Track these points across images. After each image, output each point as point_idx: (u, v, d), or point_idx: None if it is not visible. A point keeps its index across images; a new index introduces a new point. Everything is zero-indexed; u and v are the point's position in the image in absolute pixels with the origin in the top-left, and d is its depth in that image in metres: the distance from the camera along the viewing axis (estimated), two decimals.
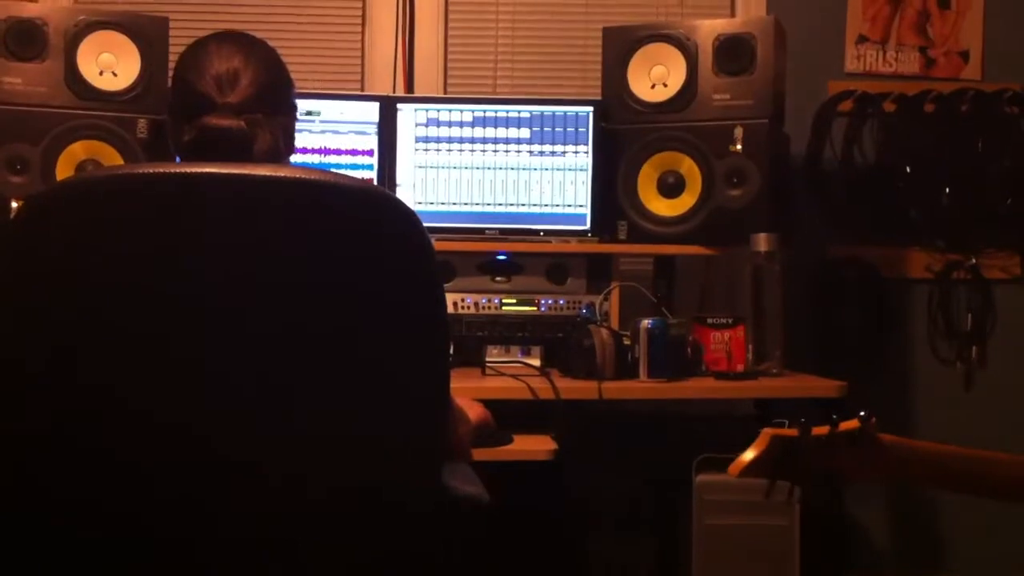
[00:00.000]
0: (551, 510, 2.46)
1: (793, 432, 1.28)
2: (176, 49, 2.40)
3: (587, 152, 2.84)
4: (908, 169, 3.26)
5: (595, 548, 2.64)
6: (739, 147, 2.74)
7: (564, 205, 2.85)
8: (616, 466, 2.65)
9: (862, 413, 1.31)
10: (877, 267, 3.26)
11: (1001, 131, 3.28)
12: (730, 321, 2.61)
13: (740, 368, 2.58)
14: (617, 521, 2.61)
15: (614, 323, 2.71)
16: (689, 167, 2.78)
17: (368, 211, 1.39)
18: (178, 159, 1.62)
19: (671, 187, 2.80)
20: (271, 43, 1.71)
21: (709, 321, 2.63)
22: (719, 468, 2.40)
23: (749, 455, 1.28)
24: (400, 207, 1.41)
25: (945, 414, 3.22)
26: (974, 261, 3.29)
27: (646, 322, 2.52)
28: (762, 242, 2.64)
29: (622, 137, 2.83)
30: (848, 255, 3.25)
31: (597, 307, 2.73)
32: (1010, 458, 1.39)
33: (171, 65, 2.48)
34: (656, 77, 2.83)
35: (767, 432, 1.29)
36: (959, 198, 3.25)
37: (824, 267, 3.26)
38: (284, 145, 1.67)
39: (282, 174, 1.37)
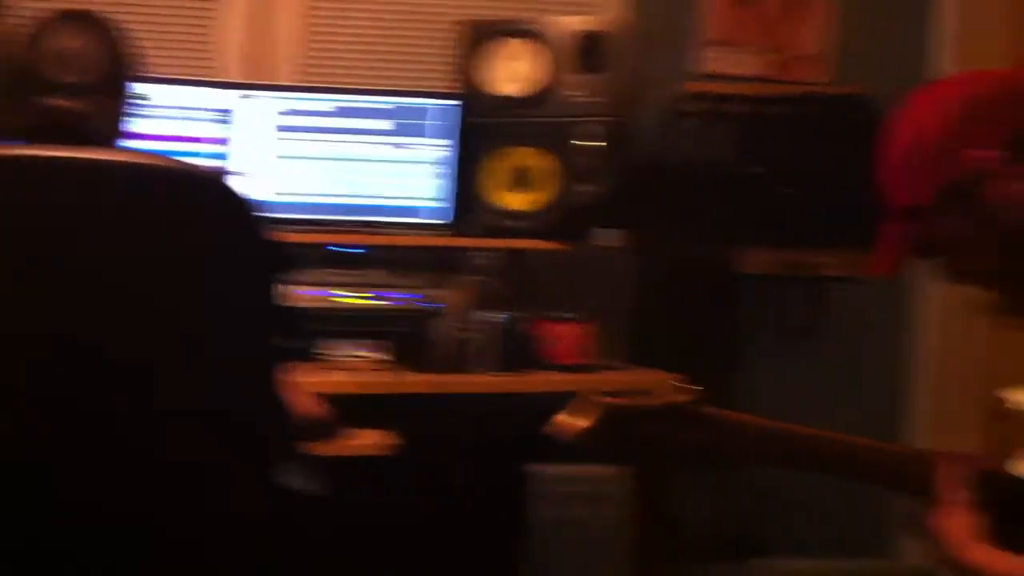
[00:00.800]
0: (394, 504, 2.48)
1: (625, 402, 1.30)
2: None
3: (446, 145, 2.84)
4: (756, 170, 3.36)
5: (439, 542, 2.66)
6: (592, 144, 2.78)
7: (422, 198, 2.85)
8: (459, 459, 2.68)
9: (694, 387, 1.34)
10: (723, 264, 3.36)
11: (847, 134, 3.40)
12: (576, 316, 2.66)
13: (585, 362, 2.63)
14: (459, 514, 2.64)
15: (460, 317, 2.73)
16: (542, 162, 2.81)
17: (195, 193, 1.43)
18: (16, 140, 1.58)
19: (524, 182, 2.83)
20: (119, 23, 1.67)
21: (556, 316, 2.67)
22: (558, 461, 2.46)
23: (580, 422, 1.28)
24: (226, 190, 1.45)
25: (785, 407, 3.33)
26: (810, 259, 3.41)
27: (493, 316, 2.55)
28: (610, 237, 2.69)
29: (478, 131, 2.84)
30: (691, 252, 3.33)
31: (443, 301, 2.75)
32: (838, 436, 1.45)
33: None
34: (513, 73, 2.85)
35: (599, 400, 1.30)
36: (797, 197, 3.37)
37: (671, 264, 3.34)
38: (122, 128, 1.64)
39: (118, 158, 1.43)
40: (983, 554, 1.34)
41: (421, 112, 2.84)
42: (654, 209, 3.29)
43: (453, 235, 2.83)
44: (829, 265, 3.44)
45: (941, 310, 3.39)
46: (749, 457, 1.67)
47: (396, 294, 2.75)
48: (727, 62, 3.39)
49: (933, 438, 3.35)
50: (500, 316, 2.55)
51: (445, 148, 2.84)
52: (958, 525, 1.37)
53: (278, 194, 2.76)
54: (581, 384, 2.58)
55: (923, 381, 3.45)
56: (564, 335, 2.65)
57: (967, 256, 1.35)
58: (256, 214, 1.44)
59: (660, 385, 1.36)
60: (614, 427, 1.28)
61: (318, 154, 2.81)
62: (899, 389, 3.52)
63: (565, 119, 2.80)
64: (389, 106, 2.84)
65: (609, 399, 1.30)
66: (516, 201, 2.83)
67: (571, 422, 1.30)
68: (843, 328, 3.47)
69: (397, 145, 2.83)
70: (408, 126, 2.84)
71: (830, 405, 3.35)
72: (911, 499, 1.47)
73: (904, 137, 1.36)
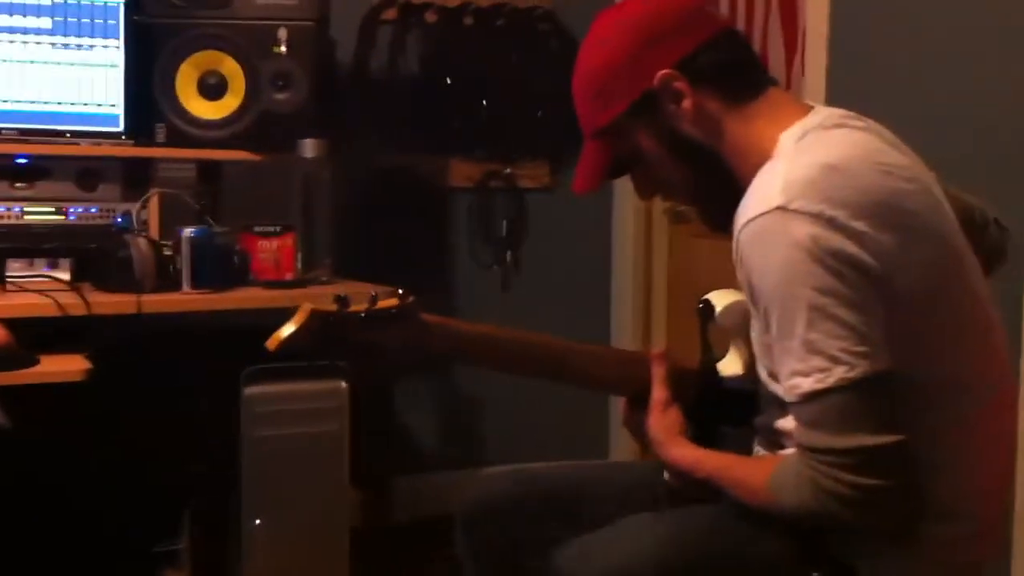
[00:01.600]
0: (82, 435, 2.29)
1: (332, 307, 1.27)
2: None
3: (118, 47, 2.61)
4: (448, 80, 3.35)
5: (132, 479, 2.49)
6: (284, 49, 2.65)
7: (94, 104, 2.61)
8: (159, 385, 2.51)
9: (400, 291, 1.34)
10: (422, 176, 3.34)
11: (533, 47, 3.45)
12: (278, 229, 2.55)
13: (289, 276, 2.53)
14: (164, 442, 2.48)
15: (154, 233, 2.54)
16: (232, 68, 2.65)
17: None
18: None
19: (213, 88, 2.66)
20: None
21: (256, 229, 2.54)
22: (269, 379, 2.36)
23: (287, 330, 1.27)
24: None
25: (486, 315, 3.38)
26: (509, 171, 3.47)
27: (189, 231, 2.39)
28: (310, 148, 2.58)
29: (157, 32, 2.63)
30: (394, 164, 3.30)
31: (134, 216, 2.54)
32: (546, 339, 1.48)
33: None
34: None
35: (306, 307, 1.29)
36: (496, 109, 3.40)
37: (372, 175, 3.28)
38: None
39: None
40: (680, 449, 1.41)
41: (86, 10, 2.58)
42: (354, 119, 3.20)
43: (139, 145, 2.61)
44: (526, 177, 3.50)
45: (636, 219, 3.54)
46: (463, 358, 1.69)
47: (81, 208, 2.50)
48: None
49: (638, 339, 3.51)
50: (197, 231, 2.38)
51: (117, 49, 2.59)
52: (658, 422, 1.44)
53: None
54: (287, 300, 2.48)
55: (624, 286, 3.60)
56: (267, 249, 2.52)
57: (656, 170, 1.41)
58: None
59: (369, 293, 1.35)
60: (324, 332, 1.26)
61: None
62: (603, 294, 3.66)
63: (254, 21, 2.64)
64: (48, 2, 2.56)
65: (315, 305, 1.30)
66: (206, 109, 2.65)
67: (281, 331, 1.28)
68: (545, 237, 3.55)
69: (62, 46, 2.56)
70: (72, 24, 2.57)
71: (538, 311, 3.44)
72: (621, 398, 1.52)
73: (587, 62, 1.40)
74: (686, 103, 1.34)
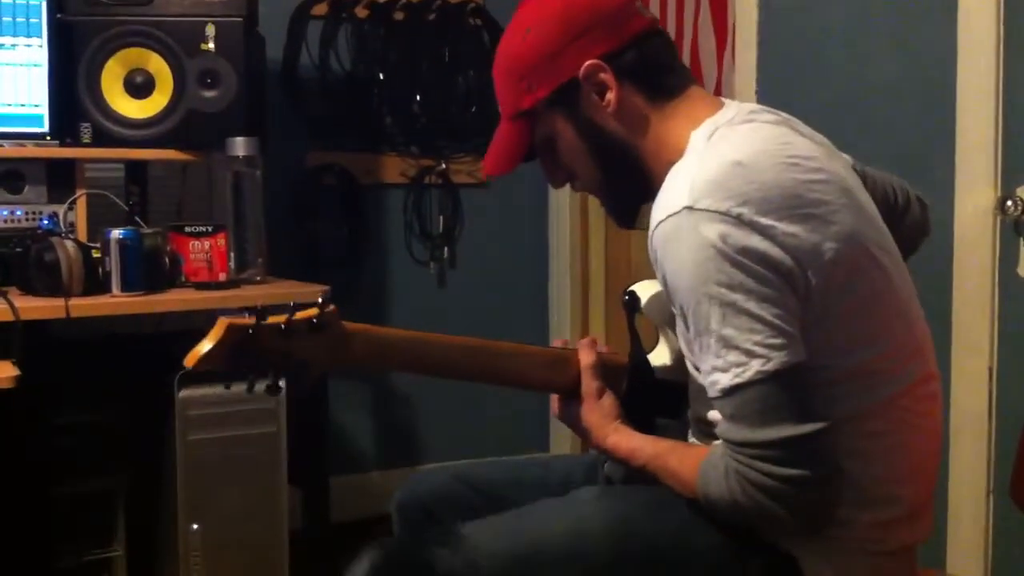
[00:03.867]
0: (14, 445, 2.23)
1: (249, 321, 1.25)
2: None
3: (41, 46, 2.55)
4: (381, 76, 3.33)
5: (63, 489, 2.43)
6: (212, 46, 2.60)
7: (17, 104, 2.54)
8: (89, 391, 2.46)
9: (320, 300, 1.31)
10: (354, 173, 3.32)
11: (466, 42, 3.44)
12: (210, 229, 2.51)
13: (222, 277, 2.50)
14: (91, 452, 2.44)
15: (81, 235, 2.49)
16: (158, 65, 2.60)
17: None
18: None
19: (140, 87, 2.60)
20: None
21: (187, 229, 2.50)
22: (203, 382, 2.32)
23: (205, 346, 1.23)
24: None
25: (422, 311, 3.39)
26: (444, 167, 3.46)
27: (117, 232, 2.34)
28: (240, 146, 2.55)
29: (81, 30, 2.57)
30: (326, 161, 3.27)
31: (61, 218, 2.48)
32: (481, 343, 1.47)
33: None
34: None
35: (223, 321, 1.25)
36: (429, 106, 3.39)
37: (303, 174, 3.25)
38: None
39: None
40: (616, 436, 1.41)
41: (7, 8, 2.52)
42: (285, 116, 3.17)
43: (64, 145, 2.55)
44: (461, 172, 3.49)
45: (572, 213, 3.55)
46: (391, 367, 1.65)
47: (6, 211, 2.44)
48: None
49: (576, 334, 3.52)
50: (126, 232, 2.33)
51: (40, 48, 2.54)
52: (591, 411, 1.44)
53: None
54: (219, 301, 2.45)
55: (562, 280, 3.61)
56: (199, 250, 2.49)
57: (570, 159, 1.42)
58: None
59: (291, 299, 1.32)
60: (243, 346, 1.23)
61: None
62: (540, 289, 3.67)
63: (181, 18, 2.60)
64: None
65: (232, 319, 1.25)
66: (133, 108, 2.60)
67: (199, 347, 1.24)
68: (481, 233, 3.55)
69: None
70: None
71: (474, 307, 3.44)
72: (556, 395, 1.52)
73: (513, 44, 1.40)
74: (610, 95, 1.35)
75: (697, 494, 1.27)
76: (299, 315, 1.28)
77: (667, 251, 1.23)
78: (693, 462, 1.29)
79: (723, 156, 1.24)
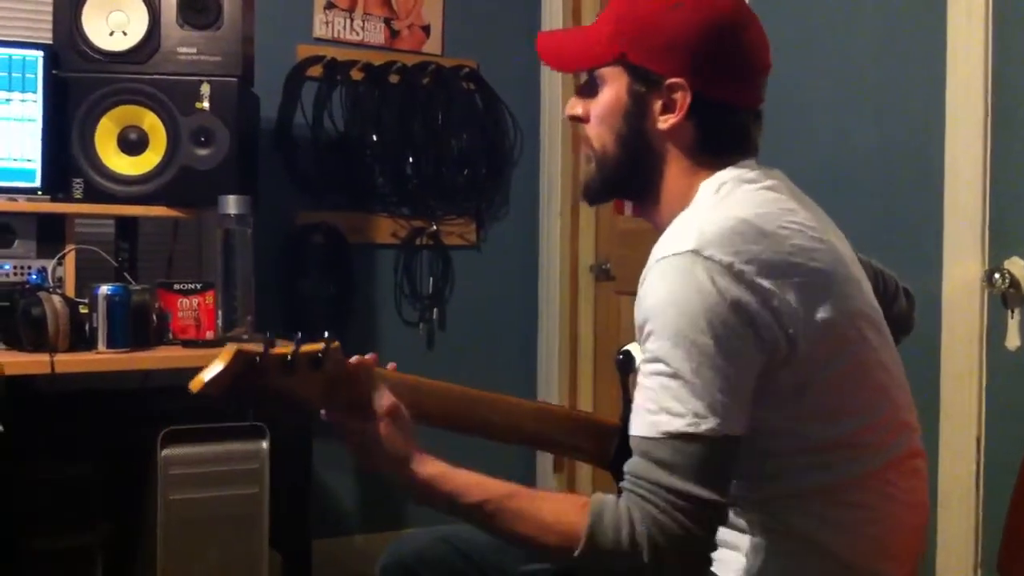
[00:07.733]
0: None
1: (257, 348, 1.24)
2: None
3: (36, 101, 2.56)
4: (374, 137, 3.35)
5: (41, 543, 2.39)
6: (206, 104, 2.62)
7: (10, 159, 2.55)
8: (72, 448, 2.43)
9: (326, 334, 1.29)
10: (345, 233, 3.32)
11: (459, 105, 3.47)
12: (198, 286, 2.51)
13: (209, 335, 2.49)
14: (70, 507, 2.40)
15: (69, 290, 2.48)
16: (152, 123, 2.61)
17: None
18: None
19: (133, 144, 2.62)
20: None
21: (176, 287, 2.50)
22: (186, 441, 2.30)
23: (211, 372, 1.21)
24: None
25: (410, 372, 3.35)
26: (435, 228, 3.47)
27: (105, 288, 2.33)
28: (232, 204, 2.55)
29: (76, 87, 2.59)
30: (317, 221, 3.28)
31: (49, 273, 2.48)
32: (467, 389, 1.46)
33: None
34: (115, 24, 2.62)
35: (232, 347, 1.23)
36: (422, 167, 3.41)
37: (293, 232, 3.26)
38: None
39: None
40: (430, 468, 1.33)
41: (3, 63, 2.54)
42: (278, 175, 3.18)
43: (56, 200, 2.55)
44: (452, 234, 3.50)
45: (562, 276, 3.55)
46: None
47: None
48: (342, 27, 3.35)
49: (564, 397, 3.51)
50: (113, 288, 2.33)
51: (34, 103, 2.55)
52: (392, 436, 1.32)
53: None
54: (206, 360, 2.43)
55: (551, 343, 3.60)
56: (187, 307, 2.48)
57: (598, 118, 1.39)
58: None
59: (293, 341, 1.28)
60: (247, 376, 1.22)
61: None
62: (528, 352, 3.65)
63: (176, 77, 2.62)
64: None
65: (242, 345, 1.24)
66: (126, 165, 2.61)
67: (203, 373, 1.21)
68: (471, 295, 3.55)
69: None
70: None
71: (462, 369, 3.42)
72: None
73: (657, 4, 1.35)
74: (671, 116, 1.33)
75: (571, 534, 1.19)
76: (304, 348, 1.27)
77: (663, 281, 1.21)
78: (570, 505, 1.22)
79: (732, 212, 1.25)
